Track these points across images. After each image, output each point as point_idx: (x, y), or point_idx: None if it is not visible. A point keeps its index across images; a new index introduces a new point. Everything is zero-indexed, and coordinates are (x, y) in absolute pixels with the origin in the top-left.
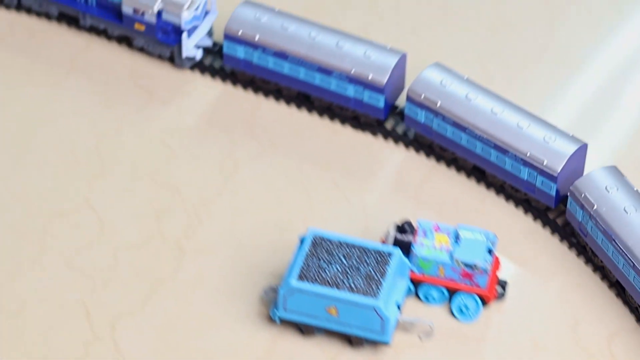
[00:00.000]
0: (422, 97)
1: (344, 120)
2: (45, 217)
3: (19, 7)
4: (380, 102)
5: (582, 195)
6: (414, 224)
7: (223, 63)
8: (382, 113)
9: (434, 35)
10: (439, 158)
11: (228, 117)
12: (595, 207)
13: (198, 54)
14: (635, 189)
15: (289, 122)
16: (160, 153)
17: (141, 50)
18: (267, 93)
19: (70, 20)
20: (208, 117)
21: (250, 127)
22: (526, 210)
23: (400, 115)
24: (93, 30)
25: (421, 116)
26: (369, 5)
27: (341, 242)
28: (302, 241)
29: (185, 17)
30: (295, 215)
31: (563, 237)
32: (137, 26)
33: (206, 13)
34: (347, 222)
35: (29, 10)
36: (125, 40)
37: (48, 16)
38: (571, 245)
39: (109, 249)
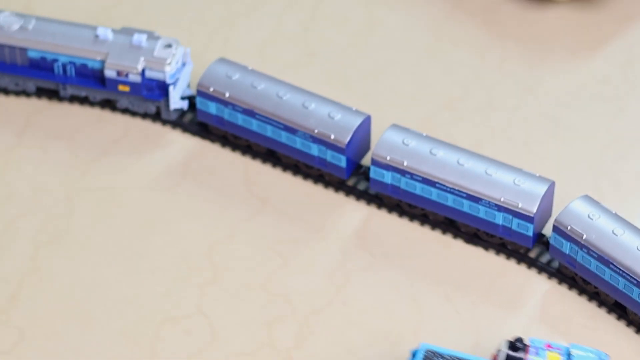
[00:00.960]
0: (388, 158)
1: (456, 235)
2: (157, 322)
3: None
4: (342, 161)
5: (568, 227)
6: (526, 341)
7: (196, 118)
8: (345, 172)
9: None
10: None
11: (339, 228)
12: (584, 236)
13: (184, 105)
14: (613, 212)
15: (400, 234)
16: (272, 261)
17: (125, 111)
18: (389, 208)
19: (50, 93)
20: (319, 227)
21: (361, 239)
22: (638, 330)
23: (365, 175)
24: (74, 99)
25: (388, 177)
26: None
27: (453, 357)
28: (414, 355)
29: (169, 72)
30: (405, 328)
31: None
32: (121, 88)
33: (183, 64)
34: (457, 336)
35: (5, 91)
36: (107, 104)
37: (26, 93)
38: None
39: (220, 357)
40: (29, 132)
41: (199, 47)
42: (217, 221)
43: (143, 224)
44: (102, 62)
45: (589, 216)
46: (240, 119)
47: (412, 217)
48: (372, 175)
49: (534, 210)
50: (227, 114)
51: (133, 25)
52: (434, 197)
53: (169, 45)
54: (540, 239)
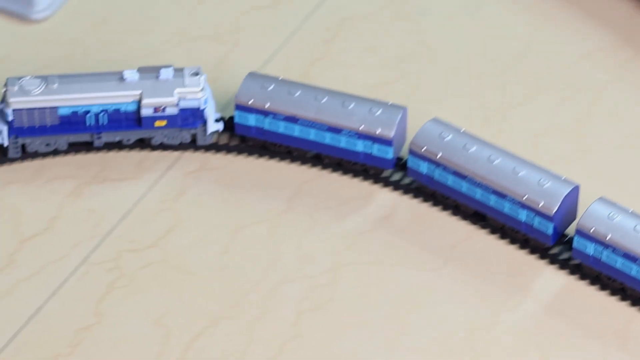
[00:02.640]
0: (424, 149)
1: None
2: None
3: (25, 154)
4: (389, 154)
5: (592, 229)
6: None
7: (235, 132)
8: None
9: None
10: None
11: (598, 326)
12: (609, 236)
13: (220, 126)
14: (630, 210)
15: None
16: (532, 353)
17: (160, 146)
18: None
19: (81, 146)
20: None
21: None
22: None
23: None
24: (108, 146)
25: (423, 167)
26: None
27: None
28: None
29: (202, 98)
30: None
31: None
32: (157, 124)
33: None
34: None
35: (35, 155)
36: (138, 144)
37: (57, 152)
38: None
39: None
40: (297, 199)
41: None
42: (479, 307)
43: (405, 302)
44: (137, 102)
45: (609, 216)
46: (281, 127)
47: (446, 207)
48: (409, 164)
49: (554, 209)
50: (267, 123)
51: None
52: (464, 190)
53: (196, 74)
54: (562, 239)
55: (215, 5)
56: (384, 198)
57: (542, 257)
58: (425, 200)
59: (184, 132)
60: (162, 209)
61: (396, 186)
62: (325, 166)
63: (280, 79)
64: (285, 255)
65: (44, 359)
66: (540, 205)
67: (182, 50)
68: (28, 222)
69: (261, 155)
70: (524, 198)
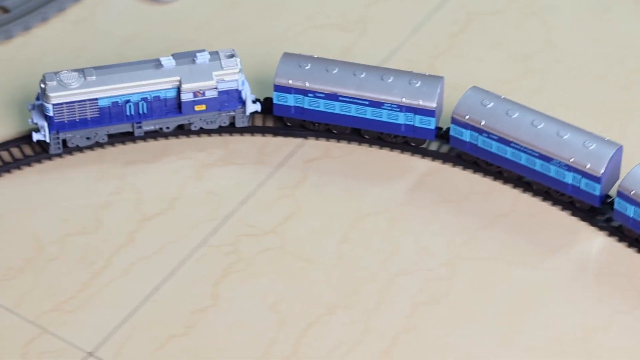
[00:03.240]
0: (467, 117)
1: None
2: None
3: (66, 149)
4: (431, 124)
5: (632, 192)
6: None
7: (273, 113)
8: (433, 134)
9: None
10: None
11: None
12: None
13: (258, 107)
14: None
15: None
16: None
17: (200, 131)
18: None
19: (122, 136)
20: None
21: None
22: None
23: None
24: (148, 134)
25: (466, 135)
26: None
27: None
28: None
29: (240, 79)
30: None
31: None
32: (197, 108)
33: None
34: None
35: (77, 149)
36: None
37: (98, 144)
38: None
39: None
40: (417, 191)
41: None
42: (595, 308)
43: (521, 300)
44: (176, 88)
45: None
46: (321, 105)
47: (565, 207)
48: (451, 133)
49: (601, 171)
50: (307, 102)
51: None
52: (508, 156)
53: (232, 56)
54: (606, 200)
55: None
56: (504, 195)
57: None
58: (545, 199)
59: (222, 115)
60: (282, 195)
61: (516, 184)
62: (446, 159)
63: (315, 57)
64: (403, 247)
65: (158, 338)
66: (587, 167)
67: (307, 37)
68: (149, 202)
69: (382, 146)
70: (571, 160)
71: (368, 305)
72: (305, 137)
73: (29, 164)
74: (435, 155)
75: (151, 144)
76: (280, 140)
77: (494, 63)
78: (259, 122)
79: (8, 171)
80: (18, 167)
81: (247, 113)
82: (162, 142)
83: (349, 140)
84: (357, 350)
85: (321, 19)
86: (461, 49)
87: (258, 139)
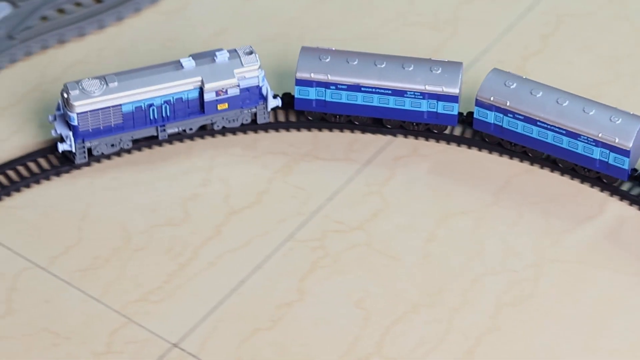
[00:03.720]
0: (492, 99)
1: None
2: None
3: (91, 157)
4: (454, 110)
5: None
6: None
7: (295, 108)
8: (455, 120)
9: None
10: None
11: None
12: None
13: (279, 102)
14: None
15: None
16: None
17: (223, 130)
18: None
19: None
20: None
21: None
22: None
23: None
24: (172, 136)
25: (491, 117)
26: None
27: None
28: None
29: (261, 75)
30: None
31: None
32: (220, 107)
33: None
34: None
35: (104, 156)
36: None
37: (123, 150)
38: None
39: None
40: (505, 192)
41: None
42: None
43: (606, 304)
44: (198, 88)
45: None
46: (344, 96)
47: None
48: (476, 115)
49: (630, 144)
50: (328, 95)
51: None
52: (534, 135)
53: (250, 52)
54: (633, 174)
55: None
56: (592, 198)
57: None
58: (632, 203)
59: (244, 112)
60: (369, 192)
61: (604, 187)
62: (534, 161)
63: (334, 49)
64: (489, 247)
65: (243, 331)
66: (616, 141)
67: (398, 35)
68: (237, 195)
69: (471, 145)
70: (599, 136)
71: (452, 304)
72: (394, 134)
73: (119, 155)
74: (522, 157)
75: (240, 137)
76: (368, 137)
77: (584, 66)
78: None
79: (98, 161)
80: (108, 158)
81: (269, 109)
82: (251, 136)
83: (437, 139)
84: (439, 349)
85: (412, 17)
86: (551, 51)
87: (347, 135)
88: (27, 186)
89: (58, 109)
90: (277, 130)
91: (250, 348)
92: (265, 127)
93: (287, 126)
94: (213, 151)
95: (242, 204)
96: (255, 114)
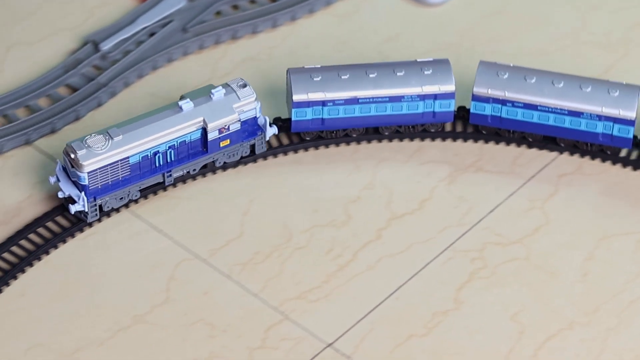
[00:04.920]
0: (489, 92)
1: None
2: None
3: (102, 213)
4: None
5: None
6: None
7: (291, 130)
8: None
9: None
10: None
11: None
12: None
13: (275, 130)
14: None
15: None
16: None
17: (224, 166)
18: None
19: (154, 187)
20: None
21: None
22: None
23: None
24: (176, 180)
25: (488, 109)
26: None
27: None
28: None
29: (258, 106)
30: None
31: None
32: (222, 144)
33: None
34: None
35: (110, 211)
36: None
37: (434, 136)
38: None
39: None
40: None
41: None
42: None
43: None
44: (201, 129)
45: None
46: (341, 111)
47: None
48: (473, 110)
49: (634, 115)
50: (325, 112)
51: None
52: (535, 120)
53: (244, 85)
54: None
55: (609, 13)
56: None
57: None
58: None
59: (244, 145)
60: (531, 207)
61: None
62: None
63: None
64: None
65: (398, 336)
66: (620, 113)
67: (567, 53)
68: (399, 201)
69: (636, 168)
70: (603, 110)
71: (608, 324)
72: (560, 151)
73: (285, 153)
74: None
75: (406, 144)
76: (533, 152)
77: None
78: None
79: (254, 161)
80: (264, 158)
81: (267, 138)
82: (417, 144)
83: (603, 158)
84: None
85: (584, 36)
86: None
87: (512, 149)
88: (194, 178)
89: (60, 169)
90: (443, 139)
91: (403, 353)
92: (432, 136)
93: (453, 136)
94: (378, 156)
95: (403, 210)
96: (253, 146)
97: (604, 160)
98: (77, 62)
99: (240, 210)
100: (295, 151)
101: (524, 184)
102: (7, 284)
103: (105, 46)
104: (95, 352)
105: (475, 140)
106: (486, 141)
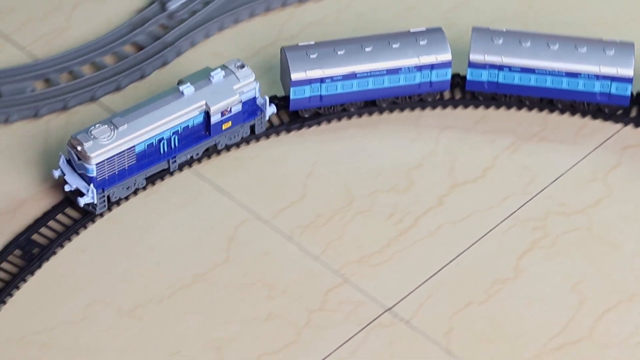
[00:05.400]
0: (485, 58)
1: None
2: None
3: (110, 205)
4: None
5: None
6: None
7: (289, 109)
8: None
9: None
10: None
11: None
12: None
13: (273, 108)
14: None
15: None
16: None
17: (227, 148)
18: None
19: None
20: None
21: None
22: None
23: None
24: (181, 165)
25: (485, 76)
26: None
27: None
28: None
29: (257, 86)
30: None
31: None
32: (224, 127)
33: None
34: None
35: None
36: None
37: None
38: None
39: None
40: None
41: None
42: None
43: None
44: (203, 112)
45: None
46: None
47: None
48: (469, 77)
49: (632, 72)
50: (324, 88)
51: None
52: (532, 83)
53: (242, 66)
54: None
55: None
56: None
57: None
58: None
59: (244, 126)
60: (594, 178)
61: None
62: None
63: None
64: None
65: (457, 302)
66: (618, 72)
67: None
68: (462, 168)
69: None
70: (601, 70)
71: None
72: (625, 123)
73: (349, 117)
74: None
75: (469, 112)
76: (598, 123)
77: None
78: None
79: (318, 124)
80: (328, 121)
81: (267, 117)
82: (480, 112)
83: None
84: None
85: None
86: None
87: (576, 120)
88: (257, 140)
89: (63, 162)
90: (507, 108)
91: (462, 319)
92: (491, 105)
93: (518, 105)
94: (441, 123)
95: (466, 178)
96: (253, 126)
97: None
98: (143, 21)
99: (303, 172)
100: (359, 115)
101: (588, 154)
102: (69, 240)
103: (173, 5)
104: (155, 309)
105: (540, 110)
106: (550, 110)
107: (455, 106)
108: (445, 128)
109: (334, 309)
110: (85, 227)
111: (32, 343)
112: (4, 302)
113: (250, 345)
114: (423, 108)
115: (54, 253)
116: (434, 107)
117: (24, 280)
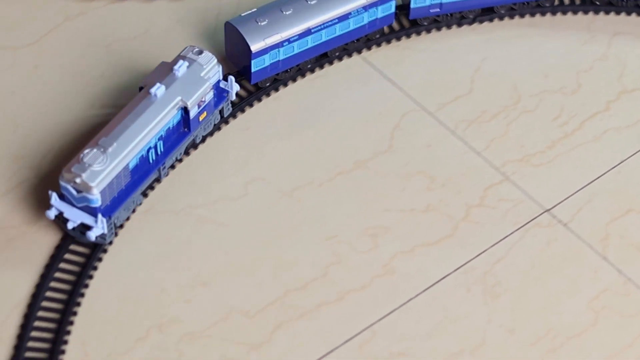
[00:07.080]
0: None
1: None
2: None
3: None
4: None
5: None
6: None
7: (251, 82)
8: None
9: None
10: None
11: None
12: None
13: (238, 87)
14: None
15: None
16: None
17: (204, 139)
18: None
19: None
20: None
21: None
22: None
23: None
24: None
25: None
26: None
27: None
28: None
29: (220, 68)
30: None
31: None
32: (201, 118)
33: None
34: None
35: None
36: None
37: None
38: None
39: None
40: None
41: None
42: None
43: None
44: (181, 109)
45: None
46: (296, 47)
47: None
48: (413, 5)
49: None
50: (282, 53)
51: None
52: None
53: (200, 51)
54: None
55: None
56: None
57: None
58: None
59: (215, 113)
60: None
61: None
62: None
63: (256, 9)
64: None
65: (617, 209)
66: None
67: None
68: (632, 75)
69: None
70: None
71: None
72: None
73: (522, 15)
74: None
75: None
76: None
77: None
78: None
79: (490, 20)
80: (501, 18)
81: (233, 97)
82: None
83: None
84: None
85: None
86: None
87: None
88: (428, 31)
89: (56, 200)
90: None
91: (619, 227)
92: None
93: None
94: (615, 28)
95: (635, 85)
96: (221, 111)
97: None
98: None
99: (471, 67)
100: (532, 15)
101: None
102: (235, 116)
103: None
104: (314, 191)
105: None
106: None
107: (628, 13)
108: (617, 34)
109: (493, 205)
110: (251, 105)
111: (191, 215)
112: (166, 174)
113: (407, 235)
114: (596, 12)
115: (219, 129)
116: (607, 12)
117: (187, 154)
